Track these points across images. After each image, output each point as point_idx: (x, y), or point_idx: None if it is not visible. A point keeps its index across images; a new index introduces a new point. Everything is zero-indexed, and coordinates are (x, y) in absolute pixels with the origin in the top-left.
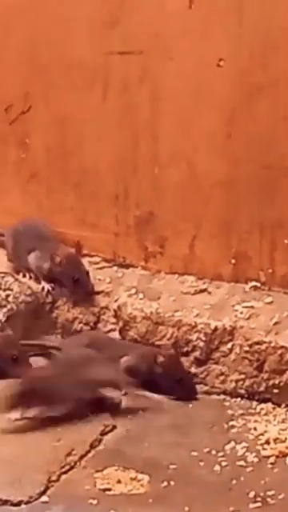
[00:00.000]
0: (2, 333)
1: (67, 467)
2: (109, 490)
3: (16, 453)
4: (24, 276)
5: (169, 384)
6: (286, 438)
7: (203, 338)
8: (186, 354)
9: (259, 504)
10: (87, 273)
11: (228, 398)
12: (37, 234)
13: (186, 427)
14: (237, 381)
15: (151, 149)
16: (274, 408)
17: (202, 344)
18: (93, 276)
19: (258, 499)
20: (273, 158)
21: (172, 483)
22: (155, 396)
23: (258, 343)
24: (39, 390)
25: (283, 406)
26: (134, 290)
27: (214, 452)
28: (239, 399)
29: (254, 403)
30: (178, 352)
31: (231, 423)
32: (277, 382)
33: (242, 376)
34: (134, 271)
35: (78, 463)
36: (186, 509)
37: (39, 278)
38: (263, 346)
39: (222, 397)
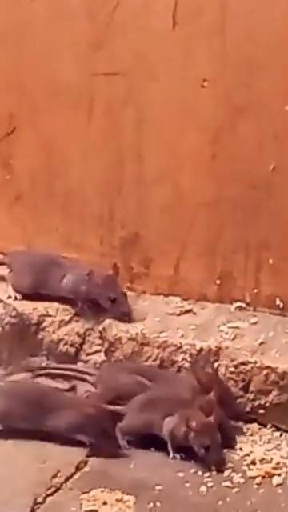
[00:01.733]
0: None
1: (53, 489)
2: (95, 511)
3: (2, 475)
4: (9, 297)
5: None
6: (271, 459)
7: (189, 359)
8: None
9: None
10: (124, 293)
11: None
12: (59, 264)
13: None
14: None
15: (136, 170)
16: (259, 428)
17: (187, 365)
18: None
19: None
20: (258, 178)
21: (158, 504)
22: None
23: (243, 363)
24: None
25: (269, 426)
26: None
27: (200, 473)
28: None
29: (240, 423)
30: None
31: None
32: (262, 402)
33: None
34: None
35: (63, 485)
36: None
37: (77, 301)
38: (249, 367)
39: None
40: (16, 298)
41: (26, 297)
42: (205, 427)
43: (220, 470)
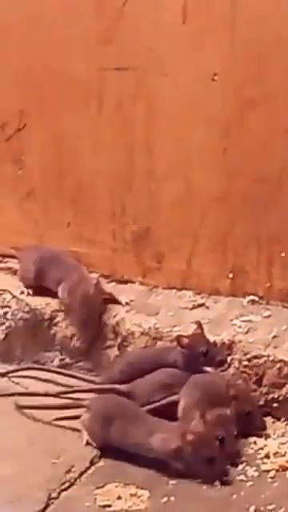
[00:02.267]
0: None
1: (67, 484)
2: (109, 506)
3: (16, 471)
4: (22, 293)
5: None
6: (285, 452)
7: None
8: None
9: None
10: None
11: None
12: (62, 264)
13: None
14: None
15: (147, 164)
16: (273, 422)
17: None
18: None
19: None
20: (268, 172)
21: (172, 499)
22: None
23: (256, 357)
24: None
25: (283, 419)
26: (131, 306)
27: None
28: None
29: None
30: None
31: None
32: (276, 395)
33: None
34: (131, 287)
35: (77, 480)
36: None
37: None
38: (262, 360)
39: None
40: (29, 294)
41: (37, 292)
42: (219, 419)
43: (235, 463)
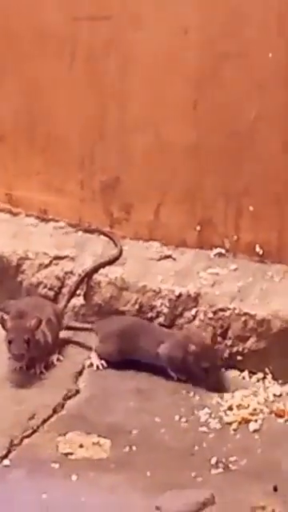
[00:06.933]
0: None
1: (29, 431)
2: (71, 454)
3: None
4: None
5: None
6: (248, 405)
7: (167, 304)
8: (150, 319)
9: (221, 470)
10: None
11: None
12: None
13: (149, 392)
14: None
15: (118, 115)
16: (239, 375)
17: (166, 310)
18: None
19: (220, 465)
20: (239, 126)
21: (134, 448)
22: None
23: (222, 310)
24: None
25: (246, 372)
26: (98, 255)
27: (176, 418)
28: None
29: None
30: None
31: (194, 389)
32: (240, 348)
33: None
34: (99, 236)
35: (40, 427)
36: (148, 474)
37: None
38: (227, 313)
39: None
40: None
41: None
42: (204, 349)
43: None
